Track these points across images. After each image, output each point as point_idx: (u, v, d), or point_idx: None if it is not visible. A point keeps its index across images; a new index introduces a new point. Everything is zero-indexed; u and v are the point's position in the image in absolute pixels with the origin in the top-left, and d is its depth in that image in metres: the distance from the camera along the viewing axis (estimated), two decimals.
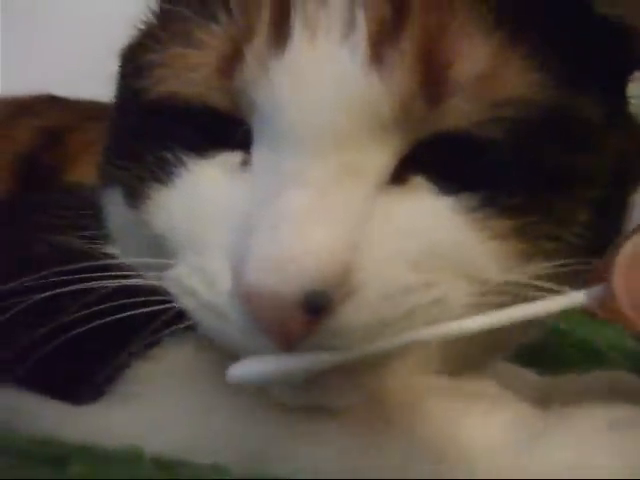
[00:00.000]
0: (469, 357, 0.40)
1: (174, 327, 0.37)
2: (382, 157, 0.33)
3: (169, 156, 0.37)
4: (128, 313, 0.36)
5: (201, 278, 0.35)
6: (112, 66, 0.44)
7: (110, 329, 0.36)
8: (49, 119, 0.61)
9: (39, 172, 0.54)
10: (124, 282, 0.37)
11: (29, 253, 0.43)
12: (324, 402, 0.36)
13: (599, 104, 0.36)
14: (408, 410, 0.37)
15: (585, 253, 0.36)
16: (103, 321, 0.36)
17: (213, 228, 0.35)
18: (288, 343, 0.32)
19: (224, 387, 0.38)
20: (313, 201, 0.32)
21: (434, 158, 0.34)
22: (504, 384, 0.41)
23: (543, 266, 0.35)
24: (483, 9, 0.34)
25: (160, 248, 0.38)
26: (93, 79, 0.45)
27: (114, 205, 0.42)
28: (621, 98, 0.40)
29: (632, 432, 0.36)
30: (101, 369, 0.39)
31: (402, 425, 0.37)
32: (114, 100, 0.44)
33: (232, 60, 0.35)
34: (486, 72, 0.33)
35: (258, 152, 0.35)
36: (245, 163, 0.36)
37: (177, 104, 0.36)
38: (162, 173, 0.37)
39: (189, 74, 0.35)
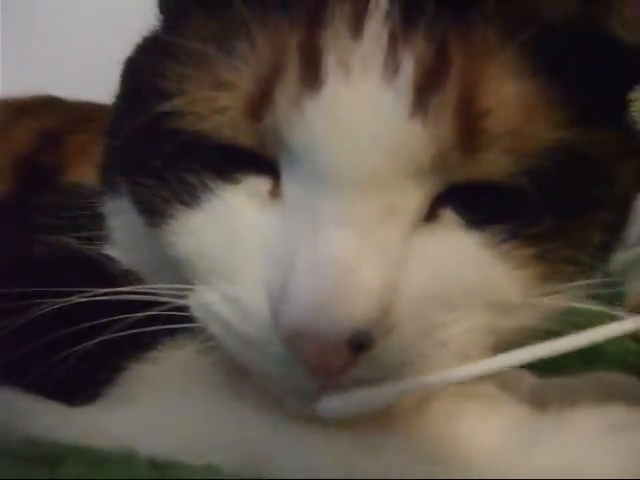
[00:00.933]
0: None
1: (170, 330, 0.37)
2: (418, 198, 0.34)
3: (193, 179, 0.37)
4: (123, 316, 0.36)
5: (234, 308, 0.35)
6: (111, 67, 0.44)
7: (107, 331, 0.36)
8: (48, 120, 0.61)
9: (38, 173, 0.54)
10: (131, 297, 0.37)
11: (28, 254, 0.43)
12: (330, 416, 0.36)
13: (614, 135, 0.37)
14: (406, 411, 0.37)
15: (595, 268, 0.38)
16: (100, 324, 0.36)
17: (247, 258, 0.35)
18: (327, 376, 0.33)
19: (220, 389, 0.38)
20: (356, 242, 0.32)
21: (462, 195, 0.35)
22: (502, 385, 0.41)
23: (559, 287, 0.36)
24: (522, 56, 0.33)
25: (181, 269, 0.37)
26: (92, 79, 0.45)
27: (121, 214, 0.42)
28: (624, 112, 0.40)
29: (629, 434, 0.36)
30: (98, 371, 0.39)
31: (400, 425, 0.37)
32: (117, 108, 0.43)
33: (261, 100, 0.34)
34: (519, 124, 0.33)
35: (290, 186, 0.35)
36: (274, 193, 0.36)
37: (203, 141, 0.35)
38: (187, 196, 0.37)
39: (216, 116, 0.35)
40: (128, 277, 0.42)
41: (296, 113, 0.33)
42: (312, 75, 0.33)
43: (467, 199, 0.35)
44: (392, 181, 0.33)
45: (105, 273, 0.42)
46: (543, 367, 0.48)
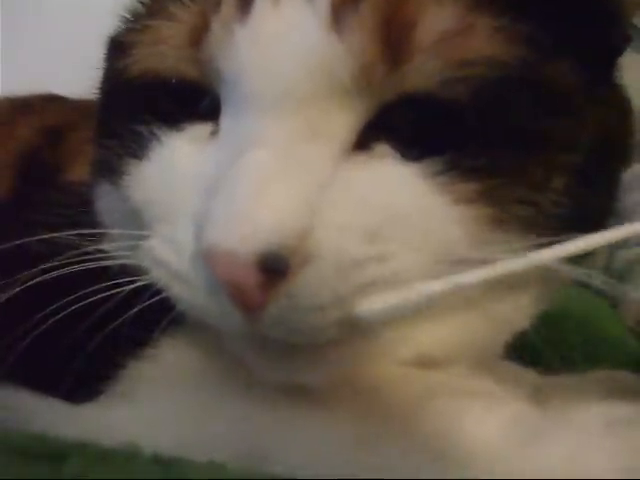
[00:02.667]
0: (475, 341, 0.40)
1: (169, 324, 0.37)
2: (345, 120, 0.34)
3: (143, 130, 0.38)
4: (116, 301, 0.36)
5: (170, 247, 0.35)
6: None
7: (106, 328, 0.36)
8: (50, 118, 0.61)
9: (40, 170, 0.55)
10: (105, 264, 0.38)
11: (27, 252, 0.43)
12: (297, 379, 0.36)
13: (579, 71, 0.36)
14: (407, 408, 0.37)
15: (567, 226, 0.36)
16: (99, 318, 0.36)
17: (183, 198, 0.35)
18: (247, 307, 0.32)
19: (221, 385, 0.38)
20: (272, 161, 0.32)
21: (399, 123, 0.34)
22: (503, 382, 0.41)
23: (516, 242, 0.34)
24: None
25: (139, 223, 0.38)
26: (92, 78, 0.45)
27: (103, 194, 0.43)
28: (613, 74, 0.40)
29: (630, 431, 0.36)
30: (98, 368, 0.39)
31: (400, 423, 0.37)
32: (99, 86, 0.45)
33: (201, 30, 0.35)
34: (452, 31, 0.33)
35: (225, 119, 0.36)
36: (215, 133, 0.37)
37: (150, 79, 0.37)
38: (138, 148, 0.38)
39: (160, 47, 0.36)
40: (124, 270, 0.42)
41: (228, 39, 0.34)
42: (244, 3, 0.35)
43: (403, 128, 0.34)
44: (314, 101, 0.33)
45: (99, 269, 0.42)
46: (544, 365, 0.48)
